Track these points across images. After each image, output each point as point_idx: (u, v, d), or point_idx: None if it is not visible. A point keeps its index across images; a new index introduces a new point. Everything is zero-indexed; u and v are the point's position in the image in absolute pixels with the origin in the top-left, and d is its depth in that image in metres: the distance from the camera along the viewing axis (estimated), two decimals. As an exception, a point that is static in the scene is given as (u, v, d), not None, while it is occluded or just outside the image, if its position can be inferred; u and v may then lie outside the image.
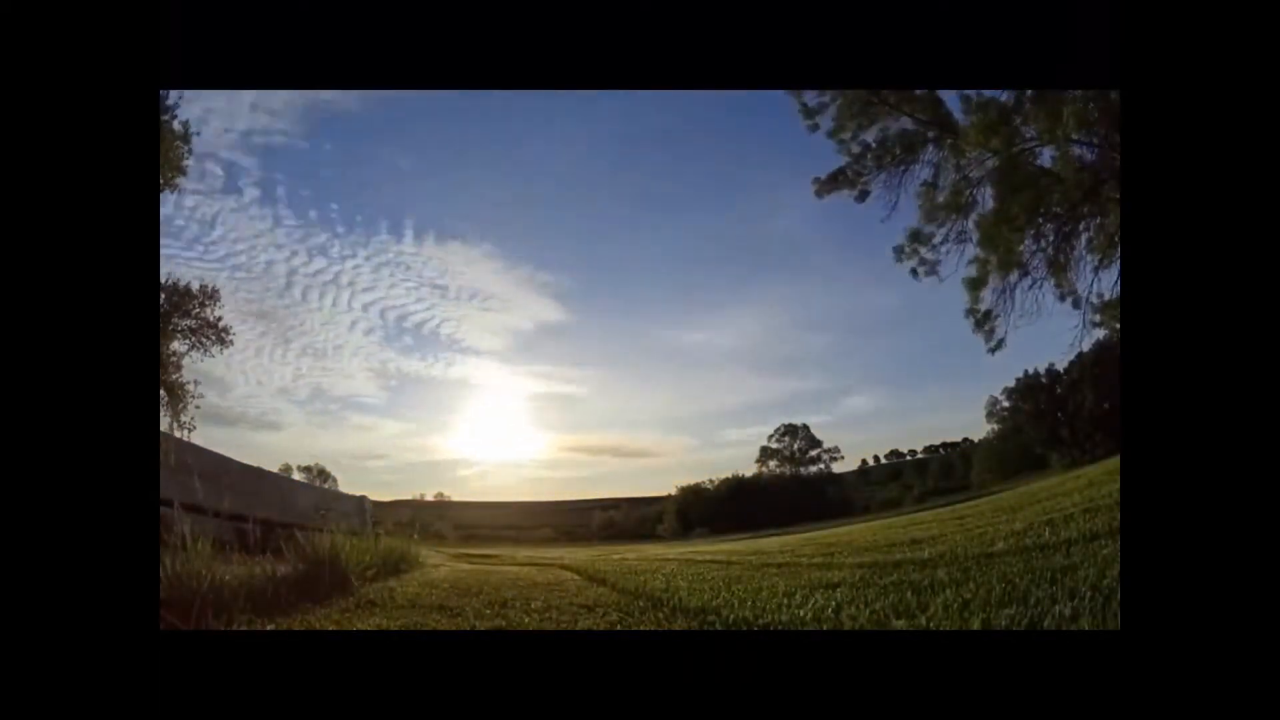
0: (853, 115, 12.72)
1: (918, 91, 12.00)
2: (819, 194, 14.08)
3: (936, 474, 46.56)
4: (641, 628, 3.62)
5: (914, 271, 14.10)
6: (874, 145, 13.11)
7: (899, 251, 14.08)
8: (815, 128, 13.12)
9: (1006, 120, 11.06)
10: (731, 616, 3.57)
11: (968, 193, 12.78)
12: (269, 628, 3.56)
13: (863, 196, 13.63)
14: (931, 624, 2.81)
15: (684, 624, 3.58)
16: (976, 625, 2.69)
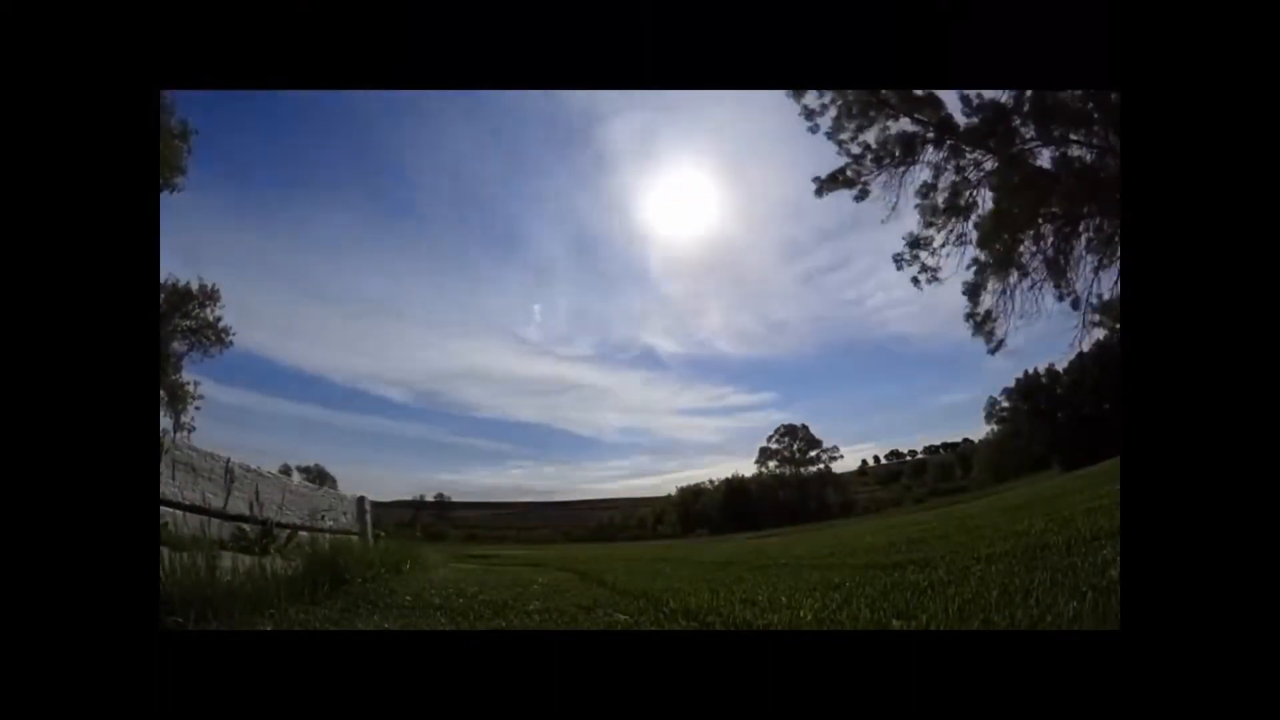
0: (853, 116, 12.76)
1: (918, 92, 12.01)
2: (819, 194, 14.12)
3: (936, 474, 46.53)
4: (641, 628, 3.61)
5: (915, 280, 14.10)
6: (874, 146, 13.15)
7: (899, 259, 14.09)
8: (816, 128, 13.16)
9: (1005, 120, 11.08)
10: (731, 616, 3.56)
11: (967, 194, 12.80)
12: (269, 628, 3.56)
13: (863, 196, 13.67)
14: (931, 624, 2.81)
15: (684, 624, 3.57)
16: (976, 625, 2.68)
